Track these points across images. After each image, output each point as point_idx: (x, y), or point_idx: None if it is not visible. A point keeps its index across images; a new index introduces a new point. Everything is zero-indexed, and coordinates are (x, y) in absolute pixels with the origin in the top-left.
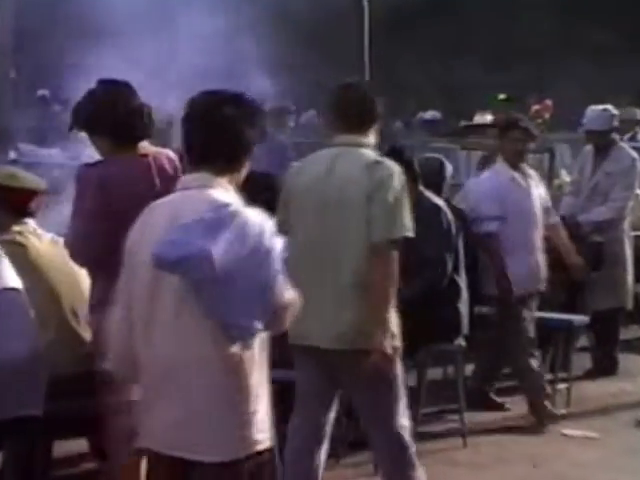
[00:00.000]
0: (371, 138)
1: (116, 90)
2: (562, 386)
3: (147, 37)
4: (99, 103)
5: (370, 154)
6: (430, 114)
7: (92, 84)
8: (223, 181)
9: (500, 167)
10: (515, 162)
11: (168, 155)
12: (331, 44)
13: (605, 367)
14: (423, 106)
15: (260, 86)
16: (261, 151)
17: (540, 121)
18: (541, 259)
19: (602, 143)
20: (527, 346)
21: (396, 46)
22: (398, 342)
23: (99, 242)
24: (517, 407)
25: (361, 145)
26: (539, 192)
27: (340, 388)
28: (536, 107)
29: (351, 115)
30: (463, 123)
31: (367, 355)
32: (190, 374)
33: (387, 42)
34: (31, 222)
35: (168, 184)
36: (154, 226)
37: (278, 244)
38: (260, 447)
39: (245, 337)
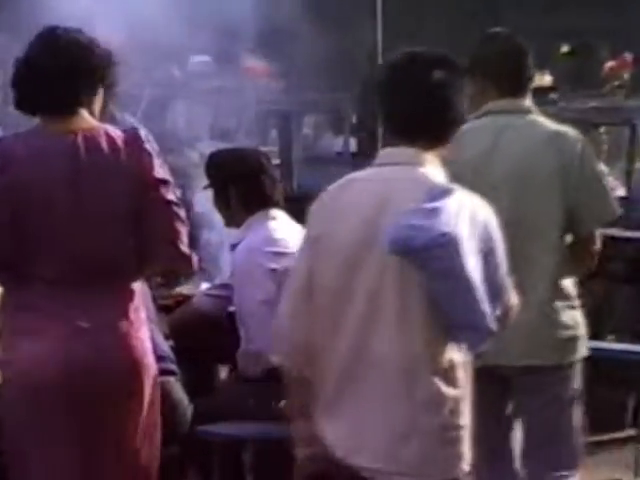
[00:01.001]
0: (529, 101)
1: (52, 44)
2: None
3: None
4: (28, 63)
5: (546, 122)
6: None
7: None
8: (431, 157)
9: None
10: None
11: (107, 132)
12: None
13: None
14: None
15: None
16: None
17: (616, 83)
18: None
19: None
20: None
21: None
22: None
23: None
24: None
25: (528, 111)
26: None
27: (508, 414)
28: (611, 64)
29: (508, 74)
30: None
31: (556, 372)
32: (401, 379)
33: None
34: None
35: (103, 165)
36: (355, 205)
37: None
38: (466, 467)
39: (477, 341)
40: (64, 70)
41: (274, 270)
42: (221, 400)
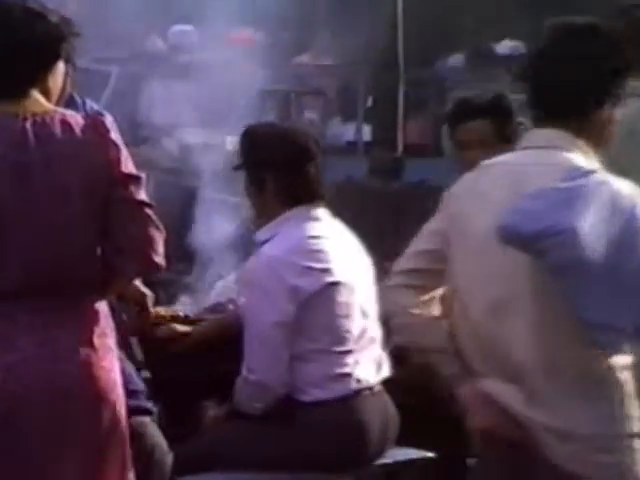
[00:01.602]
0: None
1: None
2: None
3: None
4: None
5: None
6: (508, 45)
7: None
8: (581, 142)
9: None
10: None
11: (64, 117)
12: None
13: None
14: (496, 36)
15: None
16: None
17: None
18: None
19: None
20: None
21: None
22: None
23: None
24: None
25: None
26: None
27: None
28: None
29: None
30: None
31: None
32: (542, 380)
33: None
34: None
35: (57, 157)
36: (490, 191)
37: None
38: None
39: (615, 341)
40: (10, 44)
41: (297, 288)
42: (207, 444)
